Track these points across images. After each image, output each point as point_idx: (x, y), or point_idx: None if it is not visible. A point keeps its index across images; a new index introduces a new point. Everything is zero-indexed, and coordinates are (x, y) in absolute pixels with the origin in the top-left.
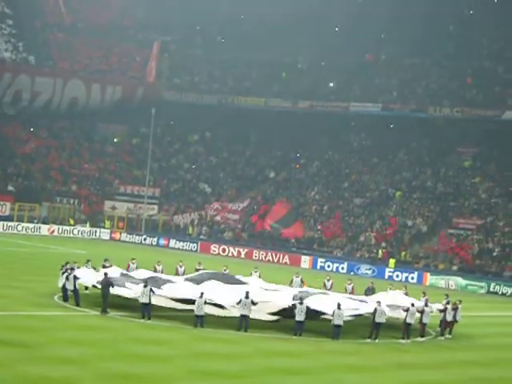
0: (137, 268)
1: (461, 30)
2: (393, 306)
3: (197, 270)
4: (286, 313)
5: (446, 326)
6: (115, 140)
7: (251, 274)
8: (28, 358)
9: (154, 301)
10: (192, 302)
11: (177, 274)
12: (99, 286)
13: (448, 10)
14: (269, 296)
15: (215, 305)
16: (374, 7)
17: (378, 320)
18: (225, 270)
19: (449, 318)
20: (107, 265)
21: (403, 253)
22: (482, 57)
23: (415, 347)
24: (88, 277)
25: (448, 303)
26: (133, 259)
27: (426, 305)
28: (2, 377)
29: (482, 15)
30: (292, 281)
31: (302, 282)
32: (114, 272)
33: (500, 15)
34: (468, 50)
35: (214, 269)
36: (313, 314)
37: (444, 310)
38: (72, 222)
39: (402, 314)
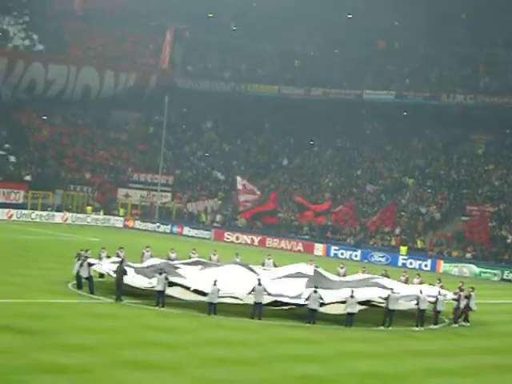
0: (151, 256)
1: (473, 17)
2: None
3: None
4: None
5: (460, 313)
6: (129, 127)
7: (264, 262)
8: (42, 346)
9: (169, 291)
10: (205, 293)
11: None
12: (113, 274)
13: None
14: (281, 288)
15: (229, 296)
16: None
17: (391, 307)
18: (237, 257)
19: (462, 305)
20: (121, 253)
21: (419, 241)
22: (495, 44)
23: (428, 335)
24: (102, 265)
25: (461, 291)
26: (147, 247)
27: (440, 293)
28: (17, 364)
29: (494, 1)
30: (263, 264)
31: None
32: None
33: None
34: (481, 37)
35: (228, 256)
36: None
37: (458, 299)
38: (90, 209)
39: (412, 306)
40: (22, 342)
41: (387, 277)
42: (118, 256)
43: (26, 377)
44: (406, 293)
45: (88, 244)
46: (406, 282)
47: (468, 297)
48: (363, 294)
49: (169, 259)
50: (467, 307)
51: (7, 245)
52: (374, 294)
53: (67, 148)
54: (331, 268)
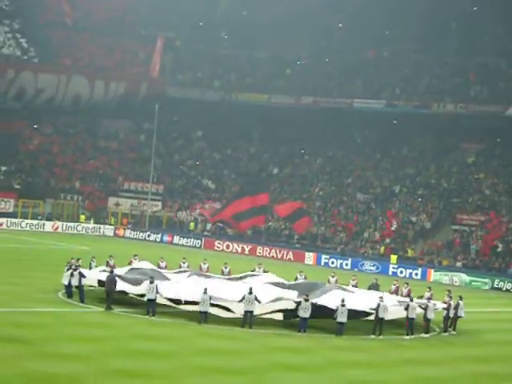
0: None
1: (464, 26)
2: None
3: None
4: (291, 312)
5: (450, 322)
6: (119, 136)
7: (254, 270)
8: (32, 355)
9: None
10: (195, 303)
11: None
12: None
13: (451, 6)
14: (273, 293)
15: (219, 306)
16: (377, 3)
17: (381, 315)
18: (225, 268)
19: (451, 314)
20: (111, 261)
21: (409, 250)
22: (486, 53)
23: (419, 343)
24: (92, 275)
25: (451, 299)
26: (135, 255)
27: (430, 301)
28: (6, 373)
29: (484, 11)
30: (296, 279)
31: (305, 279)
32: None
33: (503, 11)
34: (471, 46)
35: (218, 265)
36: (320, 310)
37: (448, 307)
38: (83, 218)
39: (403, 314)
40: (12, 351)
41: (377, 286)
42: (108, 264)
43: None
44: (395, 302)
45: (79, 253)
46: (397, 291)
47: (456, 306)
48: (354, 304)
49: (158, 268)
50: (456, 316)
51: None
52: (364, 306)
53: (57, 157)
54: (322, 277)
